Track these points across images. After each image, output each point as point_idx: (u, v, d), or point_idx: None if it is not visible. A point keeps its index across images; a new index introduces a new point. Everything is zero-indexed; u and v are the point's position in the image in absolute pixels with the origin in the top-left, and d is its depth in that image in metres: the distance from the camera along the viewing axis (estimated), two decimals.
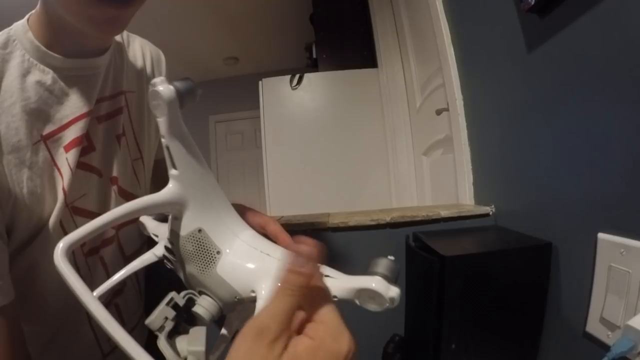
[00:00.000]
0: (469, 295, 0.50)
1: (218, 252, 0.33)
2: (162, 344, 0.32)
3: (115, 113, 0.49)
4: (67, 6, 0.37)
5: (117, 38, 0.52)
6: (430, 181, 1.44)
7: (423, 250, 0.56)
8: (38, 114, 0.41)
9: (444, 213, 0.69)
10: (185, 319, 0.34)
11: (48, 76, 0.42)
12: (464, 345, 0.51)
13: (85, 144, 0.45)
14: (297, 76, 1.88)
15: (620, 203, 0.40)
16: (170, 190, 0.34)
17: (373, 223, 0.69)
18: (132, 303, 0.56)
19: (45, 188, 0.41)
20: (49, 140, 0.42)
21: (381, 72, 1.78)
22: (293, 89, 1.85)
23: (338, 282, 0.31)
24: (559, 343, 0.51)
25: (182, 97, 0.33)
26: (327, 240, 0.70)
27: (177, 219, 0.34)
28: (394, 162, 1.74)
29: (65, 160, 0.42)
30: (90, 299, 0.28)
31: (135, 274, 0.56)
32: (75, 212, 0.44)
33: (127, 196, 0.52)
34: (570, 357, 0.49)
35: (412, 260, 0.63)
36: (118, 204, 0.49)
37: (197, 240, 0.34)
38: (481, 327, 0.52)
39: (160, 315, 0.33)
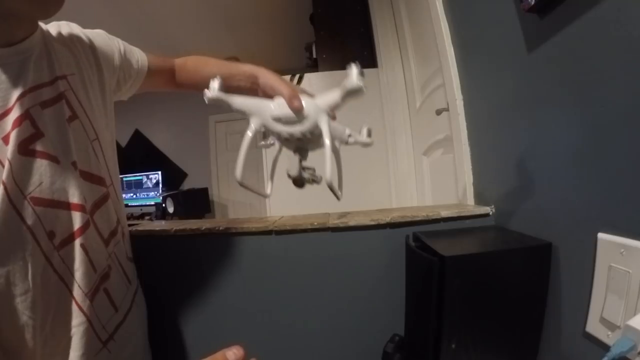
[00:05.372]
0: (469, 295, 0.50)
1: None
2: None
3: (58, 98, 0.48)
4: None
5: (42, 25, 0.51)
6: (430, 181, 1.44)
7: (423, 250, 0.56)
8: None
9: (444, 213, 0.69)
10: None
11: None
12: (464, 345, 0.51)
13: (32, 131, 0.43)
14: (297, 76, 1.88)
15: (620, 203, 0.40)
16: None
17: (373, 223, 0.69)
18: (119, 287, 0.56)
19: None
20: None
21: (381, 72, 1.78)
22: None
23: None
24: (559, 343, 0.51)
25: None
26: (327, 240, 0.70)
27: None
28: (394, 162, 1.74)
29: (6, 150, 0.41)
30: None
31: (117, 259, 0.56)
32: (36, 203, 0.43)
33: (92, 178, 0.51)
34: (570, 357, 0.49)
35: (412, 260, 0.63)
36: (83, 188, 0.48)
37: None
38: (481, 327, 0.52)
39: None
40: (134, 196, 4.02)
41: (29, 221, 0.42)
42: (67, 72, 0.50)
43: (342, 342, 0.71)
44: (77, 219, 0.47)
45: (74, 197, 0.47)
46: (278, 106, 0.62)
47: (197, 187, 3.94)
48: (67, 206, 0.46)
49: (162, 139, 4.32)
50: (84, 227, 0.48)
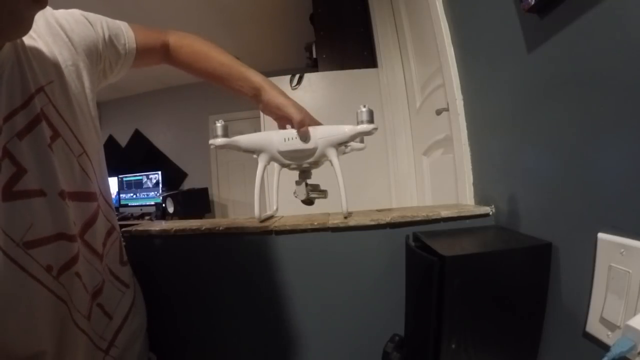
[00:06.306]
0: (468, 295, 0.50)
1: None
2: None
3: (36, 120, 0.42)
4: None
5: None
6: (430, 181, 1.44)
7: (423, 250, 0.56)
8: None
9: (444, 213, 0.69)
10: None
11: None
12: (464, 345, 0.51)
13: (13, 170, 0.38)
14: (297, 76, 1.88)
15: (620, 203, 0.40)
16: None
17: (373, 223, 0.69)
18: (113, 296, 0.54)
19: None
20: None
21: (381, 72, 1.78)
22: (293, 89, 1.85)
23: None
24: (559, 343, 0.51)
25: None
26: (327, 240, 0.70)
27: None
28: (394, 162, 1.74)
29: None
30: None
31: (109, 269, 0.54)
32: (29, 246, 0.39)
33: (81, 197, 0.48)
34: (570, 357, 0.49)
35: (412, 260, 0.63)
36: (72, 213, 0.45)
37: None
38: (481, 327, 0.52)
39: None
40: (134, 196, 4.02)
41: (27, 266, 0.39)
42: (44, 82, 0.44)
43: (342, 342, 0.71)
44: (70, 249, 0.45)
45: (65, 228, 0.44)
46: (284, 140, 0.64)
47: (197, 187, 3.94)
48: (58, 237, 0.43)
49: (162, 139, 4.32)
50: (77, 255, 0.46)
